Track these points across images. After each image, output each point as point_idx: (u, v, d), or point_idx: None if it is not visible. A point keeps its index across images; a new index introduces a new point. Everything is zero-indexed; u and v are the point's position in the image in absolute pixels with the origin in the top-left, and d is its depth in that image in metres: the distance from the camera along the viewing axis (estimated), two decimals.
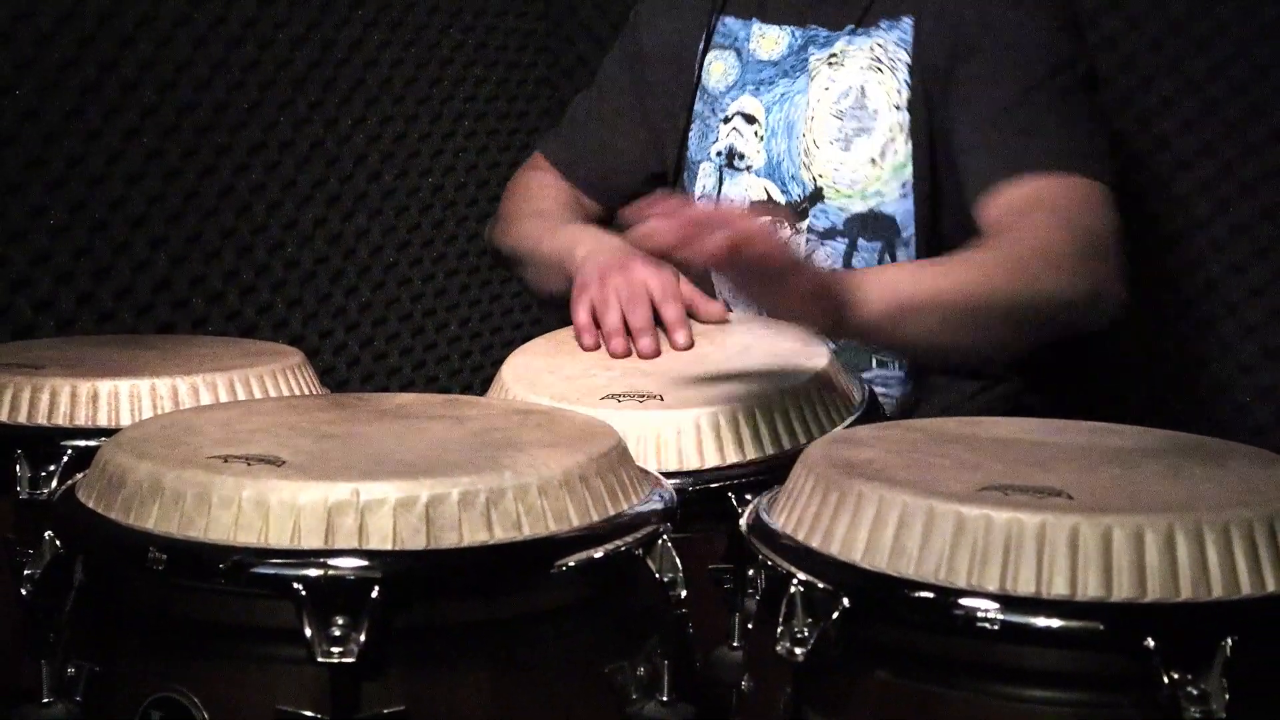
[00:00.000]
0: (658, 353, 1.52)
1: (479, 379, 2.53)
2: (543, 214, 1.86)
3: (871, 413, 1.44)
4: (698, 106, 1.86)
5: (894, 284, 1.45)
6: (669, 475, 1.27)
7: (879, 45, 1.71)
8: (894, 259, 1.71)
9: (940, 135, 1.68)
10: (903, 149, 1.69)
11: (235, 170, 2.10)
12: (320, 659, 0.95)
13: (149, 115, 1.97)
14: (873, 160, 1.70)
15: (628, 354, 1.52)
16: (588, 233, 1.75)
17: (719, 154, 1.82)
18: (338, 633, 0.95)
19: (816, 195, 1.73)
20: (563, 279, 1.70)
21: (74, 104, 1.89)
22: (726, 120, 1.82)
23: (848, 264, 1.72)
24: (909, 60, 1.69)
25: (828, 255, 1.72)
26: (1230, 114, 2.05)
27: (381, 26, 2.30)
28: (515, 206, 1.93)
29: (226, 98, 2.07)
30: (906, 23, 1.70)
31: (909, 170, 1.69)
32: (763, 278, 1.29)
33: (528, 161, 2.02)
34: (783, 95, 1.78)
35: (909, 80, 1.68)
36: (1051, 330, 1.61)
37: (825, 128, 1.72)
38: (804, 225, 1.74)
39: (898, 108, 1.69)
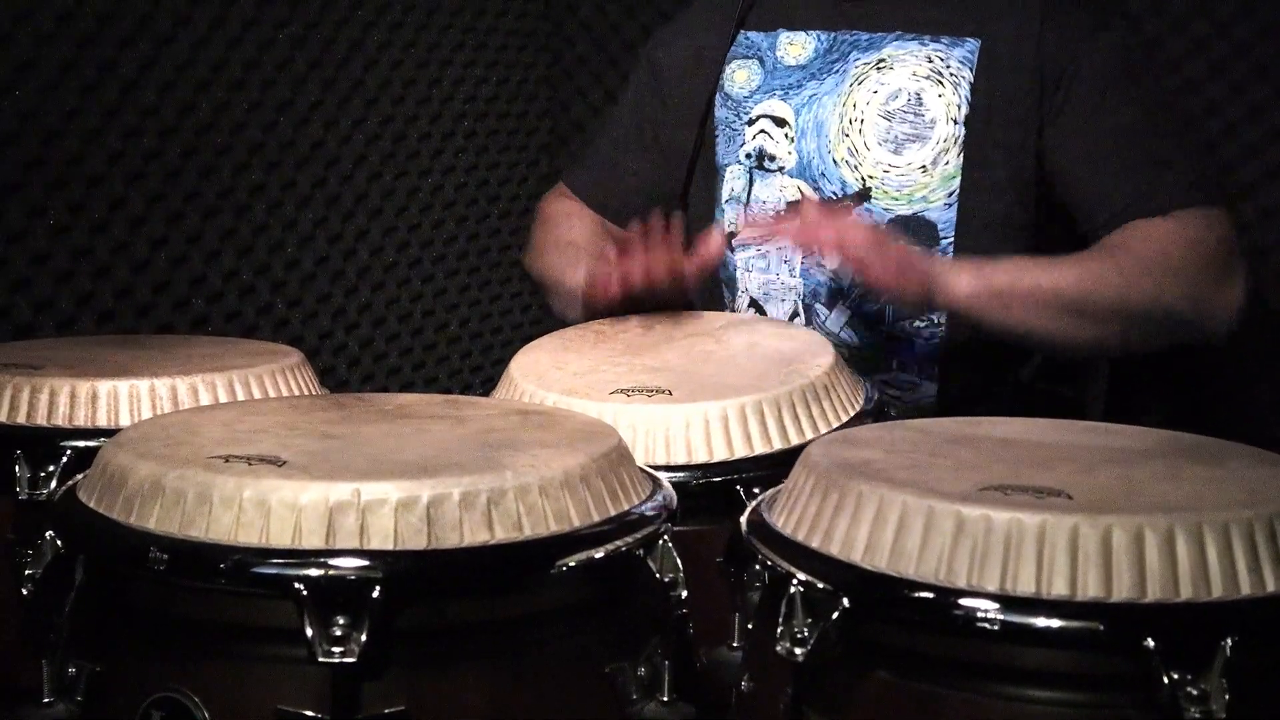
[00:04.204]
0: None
1: (479, 379, 2.53)
2: (570, 245, 1.92)
3: (877, 411, 1.45)
4: (721, 113, 1.90)
5: (988, 272, 1.62)
6: (677, 469, 1.28)
7: (939, 57, 1.76)
8: None
9: (1009, 152, 1.74)
10: (954, 161, 1.74)
11: (235, 171, 2.10)
12: (321, 659, 0.94)
13: (149, 116, 1.98)
14: (923, 168, 1.75)
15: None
16: None
17: (748, 156, 1.86)
18: (339, 633, 0.95)
19: (864, 195, 1.78)
20: (582, 311, 1.78)
21: (74, 104, 1.89)
22: (751, 123, 1.85)
23: None
24: (972, 79, 1.74)
25: None
26: (1230, 114, 2.05)
27: (381, 27, 2.31)
28: (543, 236, 2.00)
29: (227, 98, 2.07)
30: (972, 44, 1.76)
31: (957, 182, 1.74)
32: (860, 259, 1.59)
33: (554, 189, 2.09)
34: (811, 97, 1.82)
35: (969, 97, 1.74)
36: (1158, 336, 1.72)
37: (874, 128, 1.77)
38: None
39: (955, 121, 1.74)
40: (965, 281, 1.61)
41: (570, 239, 1.92)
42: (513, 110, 2.57)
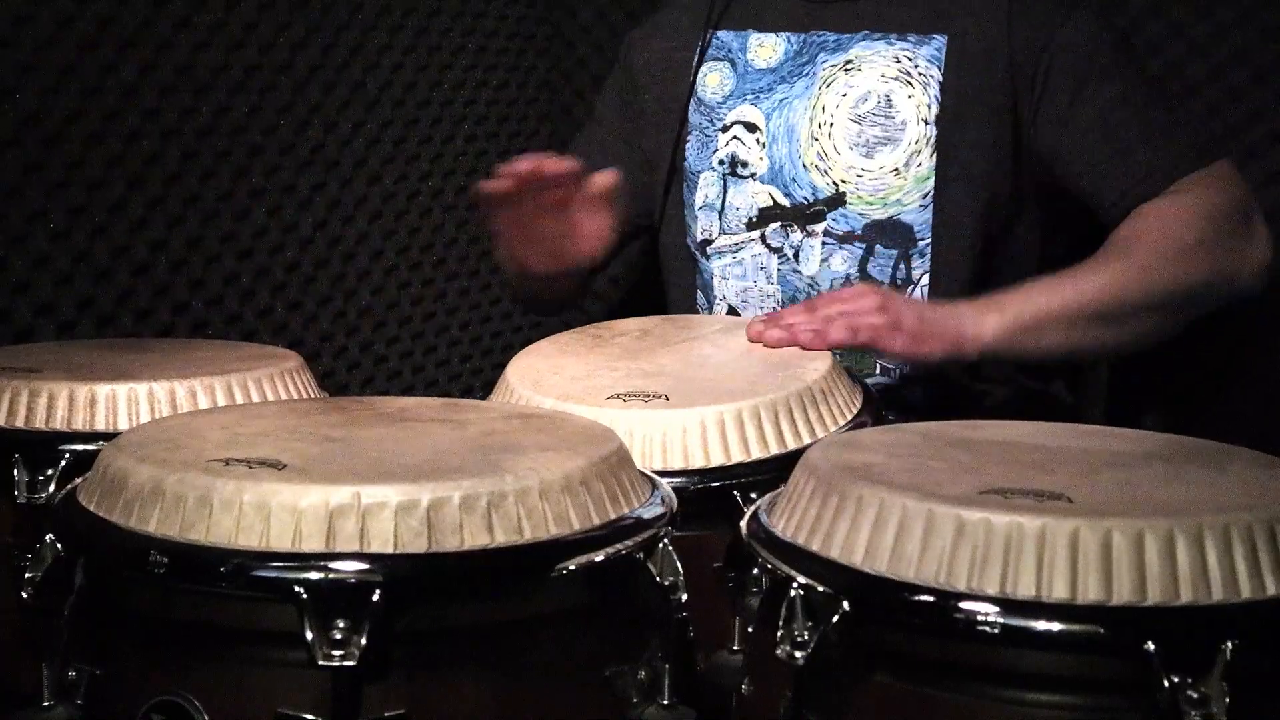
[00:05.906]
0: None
1: (478, 382, 2.53)
2: None
3: (873, 414, 1.45)
4: (694, 118, 1.89)
5: (1012, 306, 1.57)
6: (674, 474, 1.27)
7: (906, 57, 1.74)
8: (909, 268, 1.74)
9: (982, 149, 1.72)
10: (927, 162, 1.73)
11: (235, 174, 2.10)
12: (321, 662, 0.94)
13: (149, 119, 1.98)
14: (896, 171, 1.74)
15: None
16: None
17: (721, 162, 1.84)
18: (339, 636, 0.95)
19: (838, 200, 1.76)
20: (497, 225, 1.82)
21: (74, 107, 1.89)
22: (725, 129, 1.84)
23: (863, 269, 1.76)
24: (940, 78, 1.72)
25: (844, 259, 1.76)
26: (1230, 117, 2.05)
27: (382, 30, 2.31)
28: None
29: (227, 101, 2.07)
30: (939, 41, 1.74)
31: (931, 183, 1.73)
32: (875, 336, 1.52)
33: None
34: (781, 101, 1.80)
35: (939, 97, 1.72)
36: (1192, 312, 1.69)
37: (844, 132, 1.75)
38: (818, 228, 1.76)
39: (926, 122, 1.73)
40: (991, 323, 1.56)
41: None
42: (513, 114, 2.57)
